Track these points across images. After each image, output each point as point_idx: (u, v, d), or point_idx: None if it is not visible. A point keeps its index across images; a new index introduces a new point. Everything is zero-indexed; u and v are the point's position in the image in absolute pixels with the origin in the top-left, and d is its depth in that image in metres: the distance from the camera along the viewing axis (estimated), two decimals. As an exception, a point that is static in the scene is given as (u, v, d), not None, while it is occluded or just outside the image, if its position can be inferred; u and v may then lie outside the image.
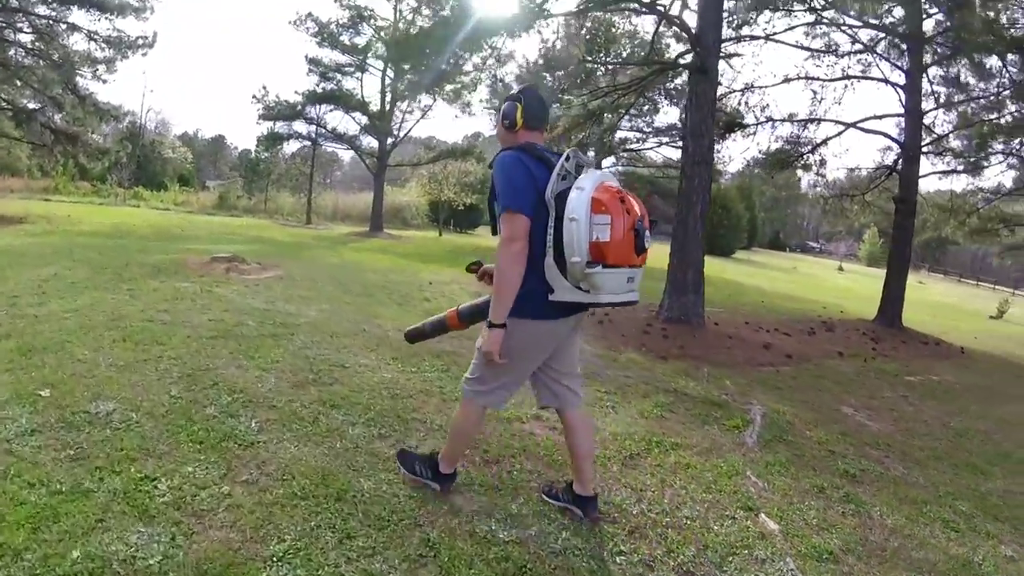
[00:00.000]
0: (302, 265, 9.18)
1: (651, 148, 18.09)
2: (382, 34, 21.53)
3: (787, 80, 11.26)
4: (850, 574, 2.25)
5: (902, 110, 10.70)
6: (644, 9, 7.94)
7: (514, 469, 2.73)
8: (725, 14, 8.34)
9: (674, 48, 11.99)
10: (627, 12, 9.34)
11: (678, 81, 15.30)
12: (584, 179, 1.99)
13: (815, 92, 11.56)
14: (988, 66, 10.67)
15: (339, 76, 22.12)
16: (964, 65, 10.92)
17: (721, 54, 8.07)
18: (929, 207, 13.22)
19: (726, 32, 9.01)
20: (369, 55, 21.97)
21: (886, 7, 10.61)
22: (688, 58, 8.12)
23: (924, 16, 10.21)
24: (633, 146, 17.90)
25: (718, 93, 8.41)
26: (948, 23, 9.87)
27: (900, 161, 10.93)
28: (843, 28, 11.06)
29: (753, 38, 10.33)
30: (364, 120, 22.33)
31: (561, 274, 1.99)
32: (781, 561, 2.26)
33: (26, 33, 16.06)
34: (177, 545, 1.88)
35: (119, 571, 1.74)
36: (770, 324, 8.49)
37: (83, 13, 15.75)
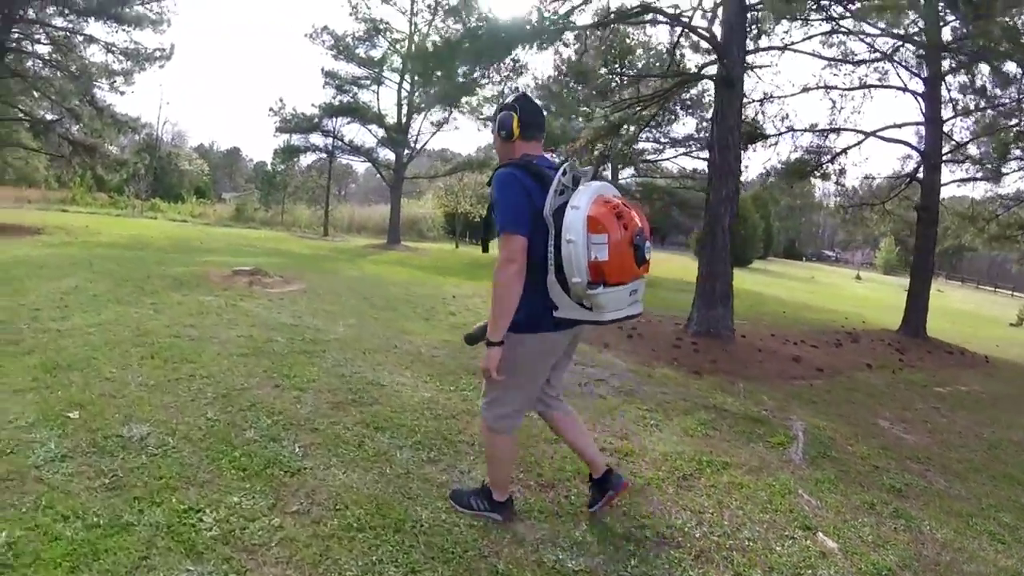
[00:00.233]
0: (324, 278, 9.15)
1: (668, 159, 18.03)
2: (398, 47, 21.69)
3: (806, 90, 11.17)
4: (910, 590, 2.22)
5: (921, 118, 10.57)
6: (668, 20, 7.87)
7: (571, 494, 2.66)
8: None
9: (690, 58, 11.94)
10: (645, 23, 9.30)
11: (694, 91, 15.23)
12: (579, 195, 1.95)
13: (834, 101, 11.48)
14: (1009, 73, 10.54)
15: (355, 89, 22.25)
16: (982, 73, 10.78)
17: (745, 65, 8.00)
18: (949, 215, 13.06)
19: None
20: (385, 67, 22.12)
21: (909, 19, 10.50)
22: (711, 69, 8.05)
23: (942, 24, 10.09)
24: (650, 157, 17.83)
25: (737, 104, 8.33)
26: (964, 30, 9.74)
27: (921, 169, 10.78)
28: (861, 37, 10.97)
29: (771, 48, 10.26)
30: (381, 133, 22.41)
31: (564, 292, 1.98)
32: (845, 580, 2.24)
33: (44, 44, 16.11)
34: (231, 584, 1.79)
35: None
36: (795, 336, 8.43)
37: (100, 25, 15.78)
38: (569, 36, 8.78)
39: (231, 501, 2.21)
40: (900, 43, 10.81)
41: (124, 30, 15.96)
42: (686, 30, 8.40)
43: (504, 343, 2.05)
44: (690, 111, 16.18)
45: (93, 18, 15.56)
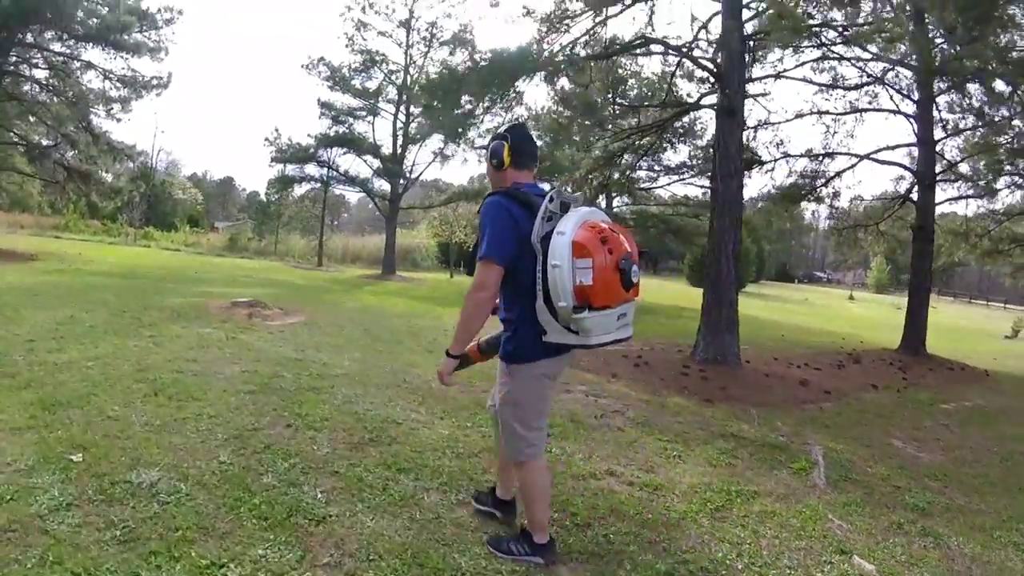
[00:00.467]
0: (324, 310, 9.06)
1: (661, 187, 18.15)
2: (393, 78, 21.86)
3: (799, 115, 11.31)
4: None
5: (914, 139, 10.71)
6: (674, 52, 7.95)
7: (609, 532, 2.58)
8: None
9: (683, 88, 12.10)
10: (650, 54, 9.38)
11: (686, 119, 15.41)
12: (565, 221, 1.97)
13: (827, 126, 11.61)
14: (998, 91, 10.72)
15: (351, 119, 22.25)
16: (971, 94, 10.95)
17: (746, 94, 8.09)
18: (943, 233, 13.18)
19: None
20: (381, 98, 22.19)
21: (903, 47, 10.71)
22: (711, 98, 8.13)
23: (933, 47, 10.28)
24: (645, 185, 17.95)
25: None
26: (953, 50, 9.91)
27: (915, 189, 10.89)
28: (852, 62, 11.15)
29: (766, 77, 10.41)
30: (376, 163, 22.41)
31: (552, 317, 1.99)
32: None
33: (41, 69, 16.01)
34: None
35: None
36: (798, 359, 8.44)
37: (99, 51, 15.74)
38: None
39: (256, 554, 2.08)
40: (891, 67, 11.01)
41: (122, 57, 15.98)
42: (685, 60, 8.50)
43: (504, 376, 2.17)
44: (683, 139, 16.33)
45: (91, 44, 15.54)
